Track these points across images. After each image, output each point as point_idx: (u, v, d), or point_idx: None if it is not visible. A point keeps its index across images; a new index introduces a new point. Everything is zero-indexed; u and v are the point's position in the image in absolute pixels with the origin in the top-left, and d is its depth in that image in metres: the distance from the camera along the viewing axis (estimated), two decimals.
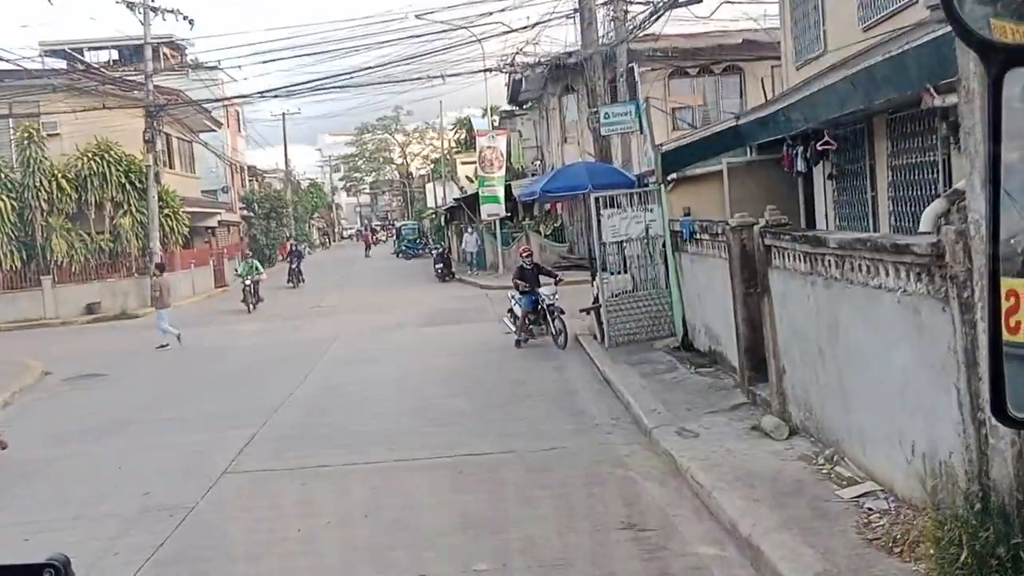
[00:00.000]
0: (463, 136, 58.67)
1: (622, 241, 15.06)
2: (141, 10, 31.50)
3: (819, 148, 11.80)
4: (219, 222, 45.74)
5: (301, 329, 22.44)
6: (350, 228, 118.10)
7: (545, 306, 16.19)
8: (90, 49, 48.76)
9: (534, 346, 16.39)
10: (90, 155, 30.28)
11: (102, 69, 38.46)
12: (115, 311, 29.59)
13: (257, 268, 28.43)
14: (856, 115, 10.14)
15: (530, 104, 42.46)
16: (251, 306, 27.29)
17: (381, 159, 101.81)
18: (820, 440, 8.05)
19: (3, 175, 29.69)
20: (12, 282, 29.98)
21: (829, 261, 7.40)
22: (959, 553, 4.99)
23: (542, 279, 16.72)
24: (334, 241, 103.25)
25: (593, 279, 15.98)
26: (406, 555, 7.07)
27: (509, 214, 34.16)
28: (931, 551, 5.28)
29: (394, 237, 68.49)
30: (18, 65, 28.77)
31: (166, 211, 32.14)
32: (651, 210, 14.72)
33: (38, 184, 29.65)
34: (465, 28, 27.43)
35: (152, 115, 31.31)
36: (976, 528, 5.08)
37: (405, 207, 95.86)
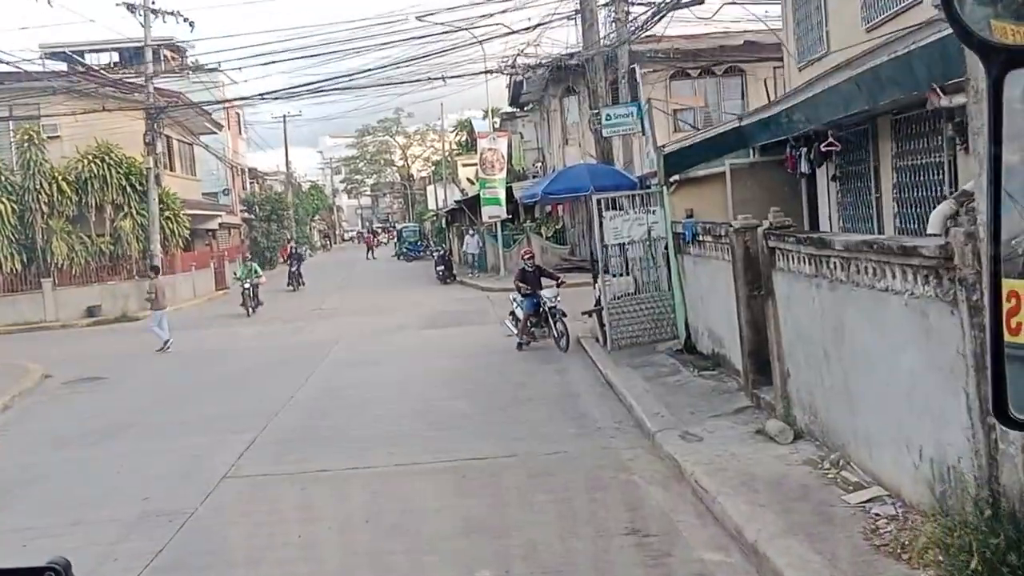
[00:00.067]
0: (464, 138, 58.66)
1: (624, 243, 14.97)
2: (141, 12, 31.46)
3: (823, 149, 11.71)
4: (220, 224, 45.71)
5: (301, 332, 22.38)
6: (351, 230, 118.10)
7: (547, 308, 16.12)
8: (91, 51, 48.78)
9: (536, 349, 16.32)
10: (90, 157, 30.24)
11: (102, 71, 38.42)
12: (116, 314, 29.53)
13: (256, 271, 28.29)
14: (860, 116, 10.06)
15: (531, 106, 42.42)
16: (250, 309, 27.18)
17: (382, 161, 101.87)
18: (825, 444, 7.98)
19: (3, 178, 29.63)
20: (12, 285, 29.92)
21: (834, 263, 7.33)
22: (969, 560, 4.93)
23: (544, 281, 16.65)
24: (335, 243, 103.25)
25: (595, 281, 15.92)
26: (407, 560, 7.02)
27: (510, 216, 34.12)
28: (940, 558, 5.22)
29: (395, 239, 68.43)
30: (18, 67, 28.73)
31: (167, 214, 32.09)
32: (653, 212, 14.66)
33: (38, 187, 29.60)
34: (466, 30, 27.37)
35: (152, 117, 31.27)
36: (986, 535, 5.02)
37: (406, 209, 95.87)
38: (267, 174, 71.25)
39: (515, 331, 16.85)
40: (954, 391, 5.55)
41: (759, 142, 13.42)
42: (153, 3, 31.74)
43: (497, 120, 45.19)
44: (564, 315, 15.96)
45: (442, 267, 35.91)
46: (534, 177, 39.02)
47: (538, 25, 26.20)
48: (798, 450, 8.20)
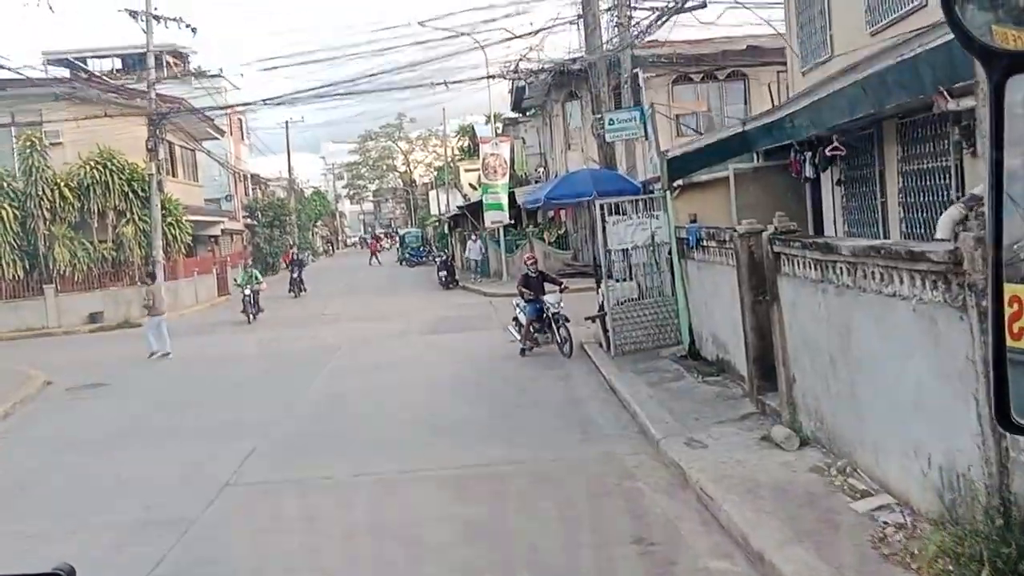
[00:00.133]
0: (466, 143, 58.68)
1: (627, 248, 14.90)
2: (143, 18, 31.45)
3: (828, 153, 11.66)
4: (222, 230, 45.70)
5: (303, 338, 22.30)
6: (354, 236, 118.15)
7: (550, 314, 16.06)
8: (93, 58, 48.91)
9: (539, 354, 16.26)
10: (93, 164, 30.20)
11: (105, 78, 38.45)
12: (118, 320, 29.48)
13: (257, 277, 28.08)
14: (865, 120, 10.00)
15: (533, 111, 42.43)
16: (251, 316, 27.05)
17: (385, 167, 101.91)
18: (832, 451, 7.91)
19: (6, 184, 29.60)
20: (15, 291, 29.86)
21: (841, 268, 7.26)
22: (979, 570, 4.87)
23: (547, 287, 16.58)
24: (338, 249, 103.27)
25: (598, 287, 15.85)
26: (410, 569, 6.96)
27: (513, 221, 34.08)
28: (950, 567, 5.15)
29: (398, 245, 68.41)
30: (20, 74, 28.73)
31: (169, 219, 32.04)
32: (656, 217, 14.59)
33: (41, 193, 29.56)
34: (468, 35, 27.36)
35: (155, 123, 31.25)
36: (997, 544, 4.96)
37: (409, 215, 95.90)
38: (270, 180, 71.28)
39: (518, 337, 16.78)
40: (964, 398, 5.48)
41: (763, 147, 13.38)
42: (155, 9, 31.73)
43: (499, 125, 45.18)
44: (567, 320, 15.90)
45: (445, 272, 35.88)
46: (536, 182, 38.99)
47: (541, 30, 26.20)
48: (804, 457, 8.13)
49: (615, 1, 22.59)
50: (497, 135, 39.97)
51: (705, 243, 12.60)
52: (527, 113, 43.92)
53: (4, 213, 29.11)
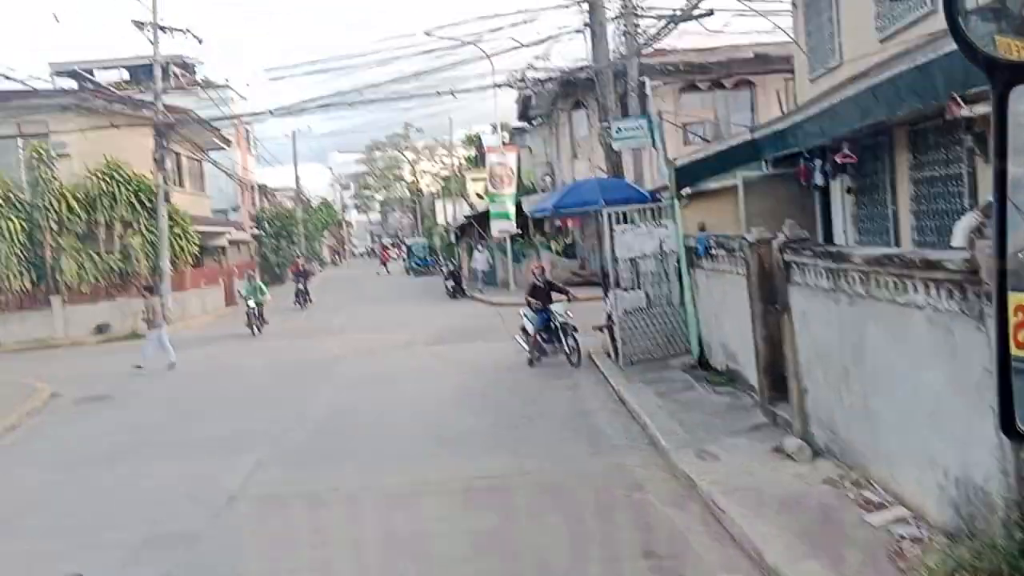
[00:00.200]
0: (473, 153, 58.71)
1: (636, 257, 14.80)
2: (150, 29, 31.50)
3: (839, 161, 11.56)
4: (229, 241, 45.68)
5: (309, 349, 22.23)
6: (361, 246, 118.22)
7: (558, 324, 15.97)
8: (100, 69, 49.01)
9: (547, 364, 16.17)
10: (100, 175, 30.22)
11: (111, 89, 38.51)
12: (125, 331, 29.44)
13: (261, 289, 27.65)
14: (876, 127, 9.91)
15: (540, 120, 42.39)
16: (255, 329, 26.83)
17: (391, 176, 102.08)
18: (845, 462, 7.80)
19: (12, 196, 29.62)
20: (22, 302, 29.84)
21: (854, 277, 7.17)
22: None
23: (554, 296, 16.49)
24: (344, 259, 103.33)
25: (606, 296, 15.76)
26: None
27: (520, 230, 34.01)
28: None
29: (404, 255, 68.44)
30: (27, 85, 28.76)
31: (176, 230, 32.03)
32: (665, 226, 14.51)
33: (48, 204, 29.57)
34: (474, 44, 27.33)
35: (161, 134, 31.25)
36: (1016, 558, 4.87)
37: (415, 224, 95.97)
38: (277, 190, 71.40)
39: (526, 347, 16.69)
40: (980, 409, 5.37)
41: (772, 154, 13.28)
42: (161, 20, 31.79)
43: (506, 134, 45.17)
44: (575, 330, 15.81)
45: (451, 282, 35.80)
46: (543, 191, 38.92)
47: (547, 39, 26.16)
48: (817, 468, 8.02)
49: (621, 9, 22.54)
50: (504, 144, 39.95)
51: (714, 252, 12.51)
52: (534, 122, 43.89)
53: (11, 225, 29.12)
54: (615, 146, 20.95)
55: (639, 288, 14.97)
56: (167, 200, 31.27)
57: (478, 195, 48.47)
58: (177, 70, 46.69)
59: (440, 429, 11.99)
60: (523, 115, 42.23)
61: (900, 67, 7.30)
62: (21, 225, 29.40)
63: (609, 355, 15.44)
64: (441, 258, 56.39)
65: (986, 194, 7.34)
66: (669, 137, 22.49)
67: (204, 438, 12.65)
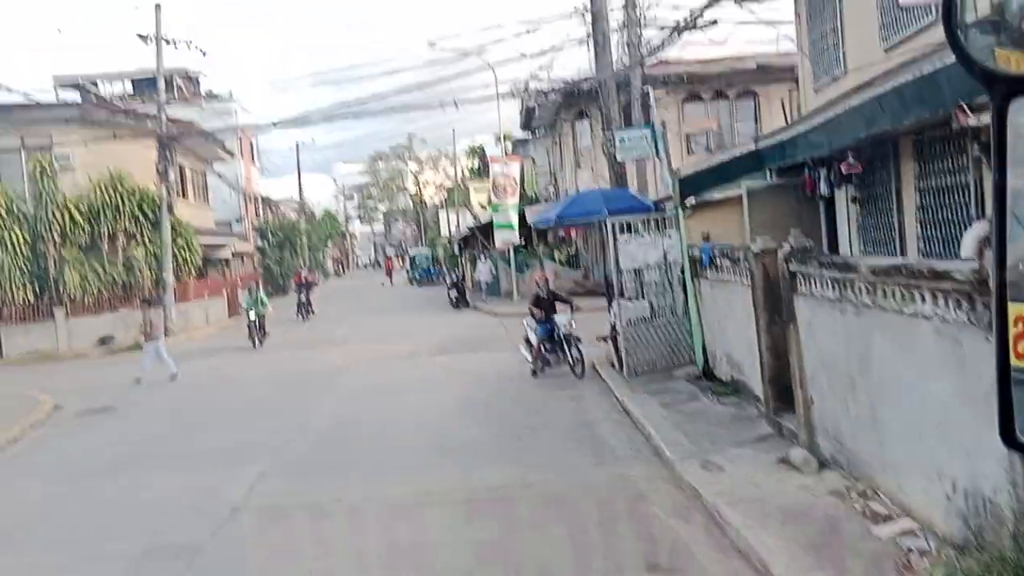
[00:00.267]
0: (476, 164, 58.76)
1: (640, 268, 14.75)
2: (153, 42, 31.57)
3: (844, 171, 11.52)
4: (233, 252, 45.73)
5: (312, 360, 22.19)
6: (364, 257, 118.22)
7: (561, 334, 15.92)
8: (104, 81, 49.16)
9: (551, 375, 16.12)
10: (103, 187, 30.25)
11: (115, 101, 38.57)
12: (128, 343, 29.37)
13: (262, 301, 27.53)
14: (882, 137, 9.86)
15: (543, 131, 42.42)
16: (256, 341, 26.75)
17: (395, 187, 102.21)
18: (852, 474, 7.73)
19: (16, 208, 29.65)
20: (25, 315, 29.85)
21: (860, 288, 7.11)
22: None
23: (558, 306, 16.46)
24: (348, 270, 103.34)
25: (609, 306, 15.71)
26: None
27: (523, 241, 33.99)
28: None
29: (408, 266, 68.51)
30: (30, 98, 28.82)
31: (179, 242, 32.07)
32: (669, 236, 14.46)
33: (51, 216, 29.61)
34: (477, 55, 27.35)
35: (165, 146, 31.29)
36: None
37: (419, 235, 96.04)
38: (280, 201, 71.50)
39: (530, 357, 16.64)
40: (989, 420, 5.26)
41: (777, 164, 13.23)
42: (165, 34, 31.85)
43: (509, 145, 45.20)
44: (579, 340, 15.76)
45: (455, 292, 35.76)
46: (546, 201, 38.93)
47: (550, 49, 26.18)
48: (823, 480, 7.96)
49: (625, 20, 22.56)
50: (507, 155, 39.97)
51: (718, 262, 12.46)
52: (537, 133, 43.93)
53: (15, 237, 29.16)
54: (618, 156, 20.96)
55: (643, 298, 14.92)
56: (170, 212, 31.31)
57: (481, 205, 48.49)
58: (181, 82, 46.82)
59: (443, 440, 11.94)
60: (526, 125, 42.27)
61: (906, 76, 7.26)
62: (24, 237, 29.45)
63: (613, 365, 15.39)
64: (445, 268, 56.46)
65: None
66: (672, 147, 22.46)
67: (206, 449, 12.61)
